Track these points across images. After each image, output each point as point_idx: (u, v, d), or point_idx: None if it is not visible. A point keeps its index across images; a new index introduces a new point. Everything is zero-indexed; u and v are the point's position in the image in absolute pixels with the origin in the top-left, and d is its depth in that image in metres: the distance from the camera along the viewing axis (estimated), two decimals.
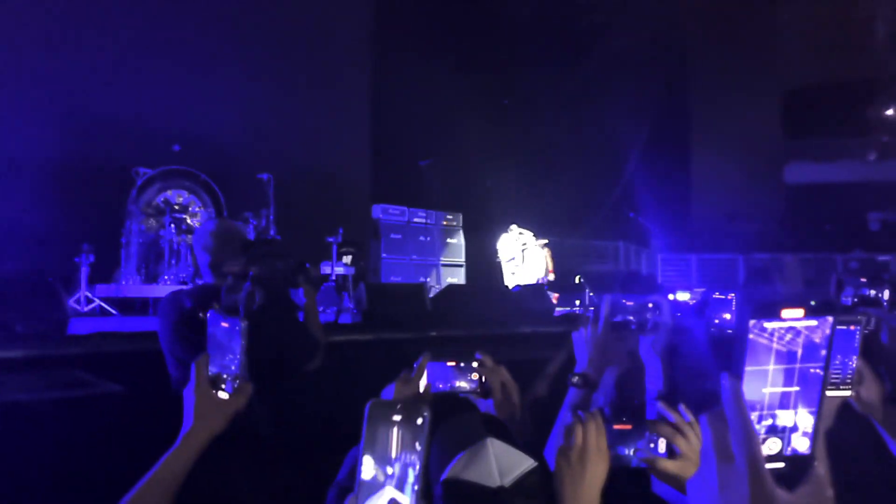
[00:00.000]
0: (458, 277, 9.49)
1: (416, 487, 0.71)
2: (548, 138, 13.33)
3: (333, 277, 6.78)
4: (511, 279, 9.38)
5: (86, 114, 6.96)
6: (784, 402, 0.63)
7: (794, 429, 0.64)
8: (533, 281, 9.14)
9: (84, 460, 2.19)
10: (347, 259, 7.98)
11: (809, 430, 0.65)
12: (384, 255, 8.77)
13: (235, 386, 1.14)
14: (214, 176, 7.39)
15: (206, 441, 1.13)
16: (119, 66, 7.29)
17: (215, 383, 1.15)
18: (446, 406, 1.43)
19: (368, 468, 0.72)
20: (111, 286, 5.97)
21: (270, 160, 7.62)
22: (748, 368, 0.62)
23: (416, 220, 9.31)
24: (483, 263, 10.07)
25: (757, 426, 0.62)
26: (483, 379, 1.44)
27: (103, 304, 5.57)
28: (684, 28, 16.00)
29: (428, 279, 8.71)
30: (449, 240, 9.64)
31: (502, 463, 1.04)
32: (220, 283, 2.27)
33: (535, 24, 13.18)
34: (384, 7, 10.05)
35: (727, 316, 2.09)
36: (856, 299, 1.74)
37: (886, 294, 1.70)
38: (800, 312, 0.62)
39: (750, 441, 0.58)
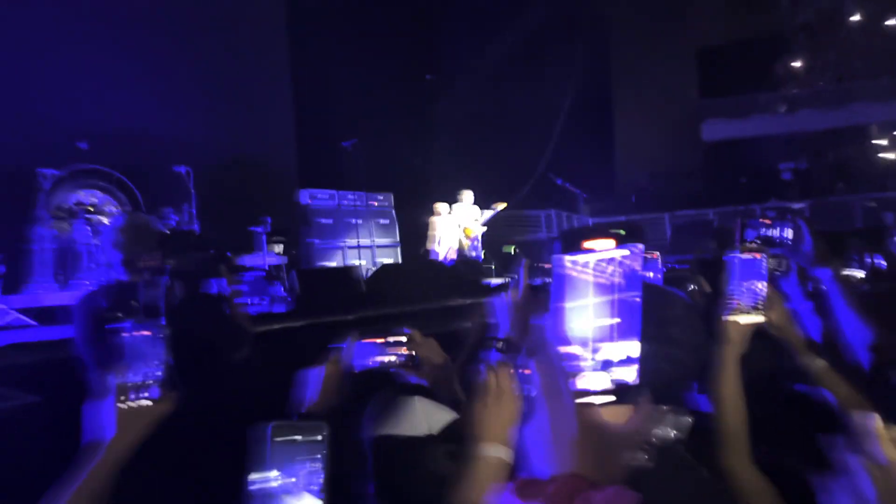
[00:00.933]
0: (393, 258, 9.49)
1: (322, 492, 0.79)
2: (473, 111, 13.41)
3: (266, 267, 6.67)
4: (439, 249, 9.21)
5: None
6: (610, 335, 0.63)
7: (623, 360, 0.64)
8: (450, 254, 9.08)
9: (6, 472, 2.12)
10: (278, 248, 7.85)
11: (635, 358, 0.64)
12: (315, 240, 8.66)
13: (160, 393, 1.15)
14: (129, 173, 7.09)
15: (129, 450, 1.13)
16: (13, 56, 6.83)
17: (138, 391, 1.15)
18: (373, 382, 1.49)
19: (270, 480, 0.80)
20: (27, 296, 5.69)
21: (188, 152, 7.37)
22: (570, 305, 0.62)
23: (345, 203, 9.21)
24: (417, 242, 10.09)
25: (588, 362, 0.63)
26: (412, 353, 1.46)
27: (20, 316, 5.30)
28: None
29: (362, 262, 8.68)
30: (381, 220, 9.61)
31: (430, 416, 1.15)
32: (135, 279, 2.21)
33: None
34: None
35: (650, 275, 2.16)
36: (758, 241, 1.82)
37: (789, 233, 1.80)
38: (610, 243, 0.62)
39: (564, 374, 0.60)
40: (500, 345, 1.54)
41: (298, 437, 0.81)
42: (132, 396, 1.15)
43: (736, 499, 1.08)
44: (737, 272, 1.40)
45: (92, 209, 6.25)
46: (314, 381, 1.40)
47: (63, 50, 7.20)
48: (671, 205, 14.84)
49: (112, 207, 6.70)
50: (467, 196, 9.30)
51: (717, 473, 1.11)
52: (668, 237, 14.03)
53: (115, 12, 7.63)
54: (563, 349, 0.60)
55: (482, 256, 9.18)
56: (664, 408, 0.82)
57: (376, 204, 9.59)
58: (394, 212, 9.87)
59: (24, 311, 5.45)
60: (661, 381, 0.71)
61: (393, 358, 1.45)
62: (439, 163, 11.83)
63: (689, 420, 0.87)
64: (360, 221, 9.21)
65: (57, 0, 7.29)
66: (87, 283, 5.91)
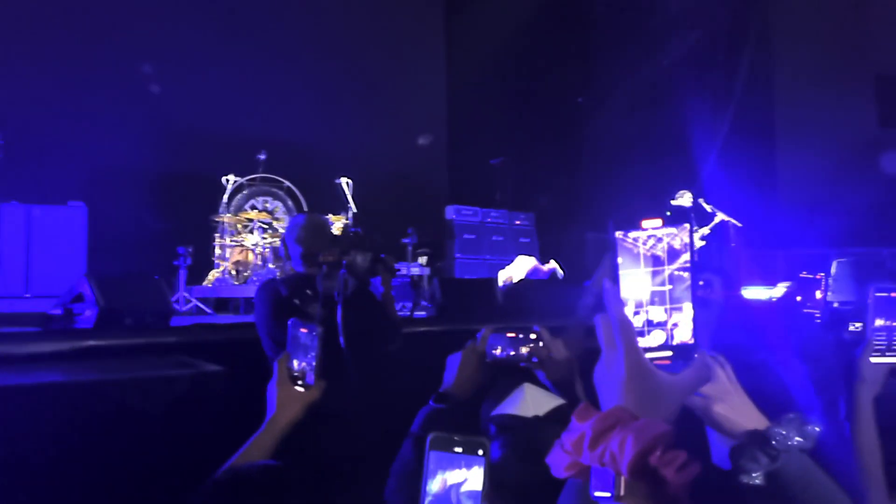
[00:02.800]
0: None
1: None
2: (623, 134, 13.11)
3: (409, 275, 7.00)
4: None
5: (179, 125, 7.54)
6: (661, 300, 0.73)
7: (677, 322, 0.73)
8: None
9: (187, 430, 2.44)
10: (423, 259, 8.17)
11: (689, 322, 0.72)
12: (458, 254, 8.93)
13: (313, 381, 1.33)
14: (296, 181, 7.79)
15: (286, 427, 1.31)
16: (208, 78, 7.83)
17: (295, 378, 1.34)
18: (501, 371, 1.60)
19: (435, 487, 0.81)
20: (206, 287, 6.40)
21: (348, 164, 7.95)
22: (625, 273, 0.74)
23: (489, 220, 9.42)
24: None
25: (642, 321, 0.74)
26: (539, 349, 1.52)
27: (199, 304, 6.00)
28: (766, 15, 15.31)
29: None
30: (522, 239, 9.70)
31: (537, 401, 1.29)
32: (311, 272, 2.47)
33: (611, 17, 13.00)
34: (457, 9, 10.25)
35: (818, 294, 2.05)
36: None
37: None
38: (658, 222, 0.73)
39: (624, 328, 0.71)
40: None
41: (458, 450, 0.82)
42: (289, 382, 1.34)
43: None
44: (881, 310, 1.41)
45: (264, 214, 6.93)
46: (453, 366, 1.53)
47: (247, 71, 8.12)
48: (837, 241, 13.47)
49: (281, 213, 7.38)
50: (685, 199, 8.40)
51: None
52: (832, 275, 12.72)
53: (289, 41, 8.44)
54: (621, 309, 0.71)
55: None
56: (791, 414, 0.89)
57: (518, 223, 9.71)
58: (535, 231, 9.93)
59: (202, 300, 6.17)
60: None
61: (522, 352, 1.52)
62: (585, 185, 11.70)
63: (817, 429, 0.89)
64: (502, 239, 9.37)
65: (238, 33, 8.21)
66: (255, 279, 6.56)
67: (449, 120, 10.27)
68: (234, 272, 6.72)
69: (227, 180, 7.11)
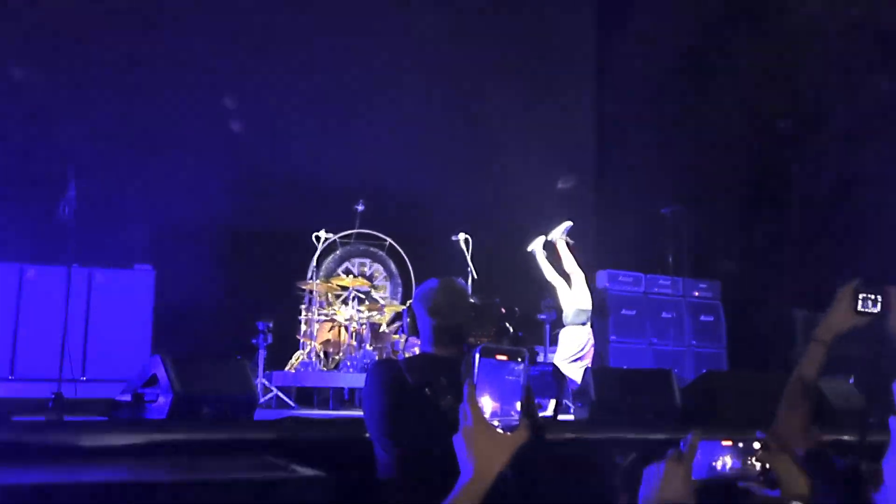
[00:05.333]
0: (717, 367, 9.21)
1: None
2: (845, 173, 12.59)
3: (548, 363, 7.02)
4: None
5: (259, 175, 8.12)
6: None
7: None
8: None
9: None
10: None
11: None
12: (613, 337, 8.81)
13: (516, 424, 1.32)
14: (400, 239, 8.11)
15: (490, 483, 1.30)
16: (288, 116, 8.44)
17: (498, 424, 1.34)
18: (712, 490, 1.59)
19: None
20: (288, 373, 6.76)
21: (463, 217, 8.13)
22: None
23: (655, 290, 9.27)
24: (753, 351, 9.62)
25: None
26: (766, 465, 1.53)
27: (280, 395, 6.34)
28: None
29: (675, 370, 8.59)
30: (703, 317, 9.45)
31: None
32: (446, 353, 2.57)
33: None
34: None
35: None
36: None
37: None
38: None
39: None
40: None
41: None
42: (488, 425, 1.32)
43: None
44: None
45: (361, 280, 7.28)
46: (651, 480, 1.53)
47: (339, 106, 8.70)
48: None
49: (382, 279, 7.73)
50: None
51: None
52: None
53: (390, 65, 8.97)
54: None
55: None
56: None
57: (697, 294, 9.48)
58: (721, 307, 9.63)
59: (283, 390, 6.52)
60: None
61: (743, 467, 1.53)
62: (790, 243, 11.25)
63: None
64: (673, 315, 9.18)
65: (316, 60, 8.84)
66: (349, 365, 6.84)
67: (598, 155, 10.38)
68: (322, 355, 7.04)
69: (318, 238, 7.43)
